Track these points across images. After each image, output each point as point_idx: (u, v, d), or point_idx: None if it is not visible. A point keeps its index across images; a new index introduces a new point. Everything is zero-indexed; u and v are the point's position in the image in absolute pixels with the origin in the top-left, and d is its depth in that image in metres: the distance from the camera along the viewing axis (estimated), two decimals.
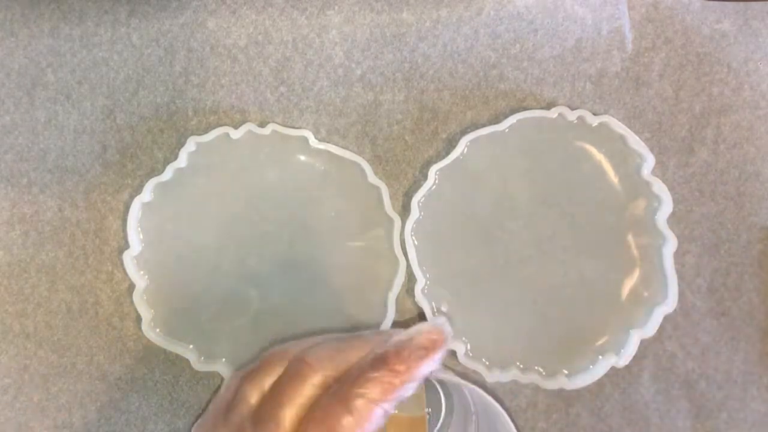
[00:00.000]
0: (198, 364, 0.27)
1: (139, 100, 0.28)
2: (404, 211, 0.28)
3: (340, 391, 0.21)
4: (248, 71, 0.28)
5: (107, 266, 0.28)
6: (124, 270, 0.28)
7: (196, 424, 0.25)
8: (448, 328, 0.23)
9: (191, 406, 0.28)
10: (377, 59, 0.28)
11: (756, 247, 0.28)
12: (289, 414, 0.21)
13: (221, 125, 0.28)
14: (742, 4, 0.29)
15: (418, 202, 0.28)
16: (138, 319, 0.28)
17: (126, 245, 0.28)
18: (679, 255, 0.28)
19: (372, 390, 0.21)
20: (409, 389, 0.21)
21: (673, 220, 0.28)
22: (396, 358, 0.21)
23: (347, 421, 0.20)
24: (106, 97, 0.28)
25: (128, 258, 0.27)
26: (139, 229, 0.28)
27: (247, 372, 0.23)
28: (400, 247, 0.28)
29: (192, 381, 0.28)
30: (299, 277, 0.28)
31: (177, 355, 0.28)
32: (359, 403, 0.21)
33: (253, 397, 0.22)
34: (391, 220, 0.28)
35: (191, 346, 0.28)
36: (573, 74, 0.29)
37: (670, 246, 0.27)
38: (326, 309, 0.28)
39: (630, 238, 0.28)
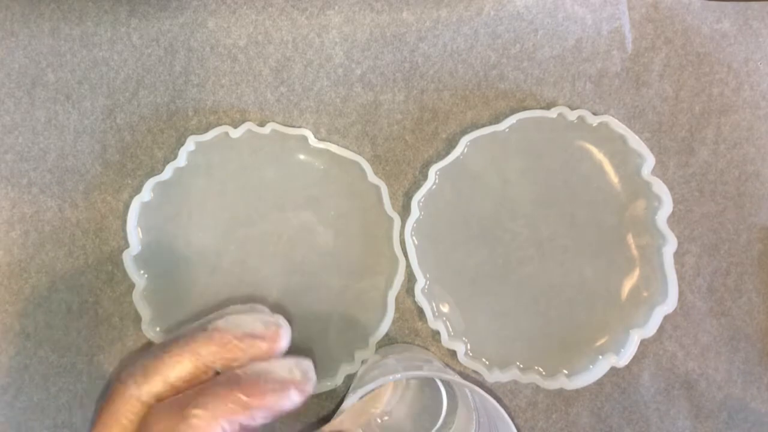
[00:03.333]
0: None
1: (139, 100, 0.28)
2: (404, 211, 0.28)
3: (180, 401, 0.20)
4: (248, 71, 0.28)
5: (107, 266, 0.28)
6: (123, 270, 0.28)
7: None
8: (312, 374, 0.22)
9: None
10: (377, 59, 0.28)
11: (756, 247, 0.28)
12: None
13: (221, 125, 0.28)
14: (742, 4, 0.29)
15: (418, 202, 0.28)
16: (138, 318, 0.28)
17: (126, 245, 0.28)
18: (679, 255, 0.28)
19: (215, 407, 0.20)
20: (258, 419, 0.20)
21: (673, 220, 0.28)
22: (249, 387, 0.20)
23: None
24: (106, 97, 0.28)
25: (128, 257, 0.27)
26: (139, 228, 0.28)
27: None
28: (400, 247, 0.28)
29: None
30: (299, 277, 0.28)
31: None
32: (196, 420, 0.19)
33: None
34: (391, 220, 0.28)
35: None
36: (573, 74, 0.29)
37: (670, 246, 0.27)
38: (326, 309, 0.28)
39: (630, 238, 0.28)
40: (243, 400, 0.20)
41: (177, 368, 0.21)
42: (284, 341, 0.22)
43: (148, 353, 0.22)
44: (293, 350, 0.28)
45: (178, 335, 0.22)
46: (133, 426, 0.20)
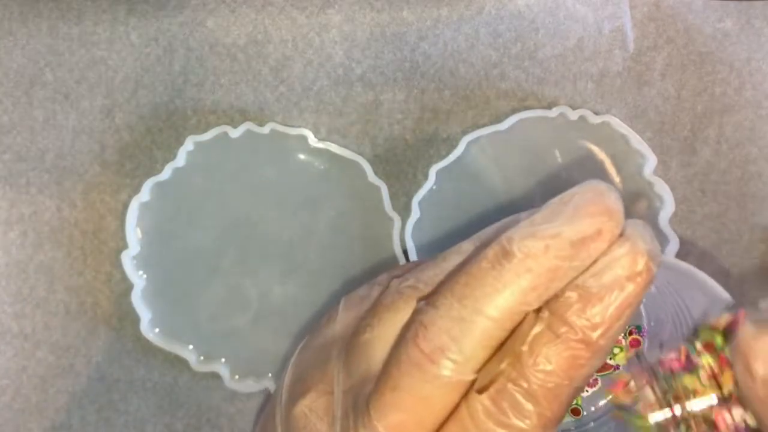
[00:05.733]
0: (197, 364, 0.27)
1: (138, 100, 0.28)
2: (404, 211, 0.28)
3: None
4: (248, 70, 0.28)
5: (106, 266, 0.28)
6: (122, 270, 0.28)
7: (292, 363, 0.22)
8: (648, 235, 0.17)
9: (190, 408, 0.28)
10: (377, 58, 0.28)
11: (758, 247, 0.28)
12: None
13: (220, 124, 0.28)
14: (744, 3, 0.29)
15: (418, 202, 0.28)
16: (137, 319, 0.27)
17: (125, 245, 0.28)
18: (681, 255, 0.28)
19: (552, 363, 0.16)
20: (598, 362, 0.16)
21: (675, 220, 0.28)
22: (585, 306, 0.16)
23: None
24: (104, 97, 0.28)
25: (127, 258, 0.27)
26: (138, 229, 0.28)
27: (371, 309, 0.19)
28: (400, 247, 0.28)
29: (191, 382, 0.28)
30: (299, 277, 0.28)
31: (176, 356, 0.28)
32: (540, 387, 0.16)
33: (380, 348, 0.18)
34: (391, 221, 0.28)
35: (190, 347, 0.27)
36: (574, 74, 0.28)
37: (672, 246, 0.27)
38: (326, 309, 0.28)
39: None
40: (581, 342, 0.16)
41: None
42: (618, 214, 0.17)
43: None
44: (292, 350, 0.28)
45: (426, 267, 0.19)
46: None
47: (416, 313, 0.18)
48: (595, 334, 0.16)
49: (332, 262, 0.28)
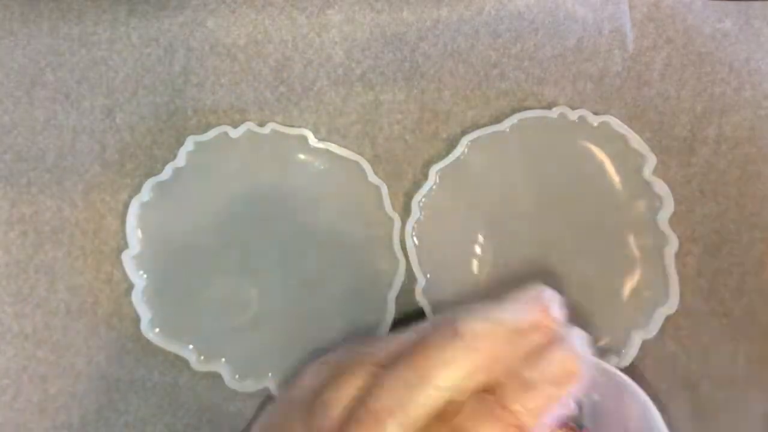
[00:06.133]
0: (197, 364, 0.27)
1: (139, 100, 0.28)
2: (404, 211, 0.28)
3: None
4: (248, 70, 0.28)
5: (106, 266, 0.28)
6: (123, 270, 0.28)
7: (260, 421, 0.23)
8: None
9: (191, 407, 0.28)
10: (377, 59, 0.28)
11: (758, 247, 0.28)
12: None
13: (220, 124, 0.28)
14: (743, 3, 0.29)
15: (418, 202, 0.28)
16: (137, 319, 0.27)
17: (125, 245, 0.28)
18: (680, 255, 0.28)
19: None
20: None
21: (675, 220, 0.28)
22: (522, 394, 0.18)
23: None
24: (105, 97, 0.28)
25: (127, 258, 0.27)
26: (138, 229, 0.28)
27: (332, 373, 0.21)
28: (400, 247, 0.28)
29: (191, 381, 0.28)
30: (299, 277, 0.28)
31: (176, 356, 0.28)
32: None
33: (336, 407, 0.19)
34: (391, 220, 0.28)
35: (191, 346, 0.27)
36: (574, 74, 0.28)
37: (672, 246, 0.27)
38: (326, 309, 0.28)
39: (631, 238, 0.28)
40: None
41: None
42: (557, 319, 0.20)
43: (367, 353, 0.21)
44: (293, 350, 0.28)
45: (392, 339, 0.21)
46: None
47: (371, 377, 0.20)
48: (529, 420, 0.19)
49: (332, 262, 0.28)
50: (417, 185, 0.28)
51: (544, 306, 0.21)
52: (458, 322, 0.20)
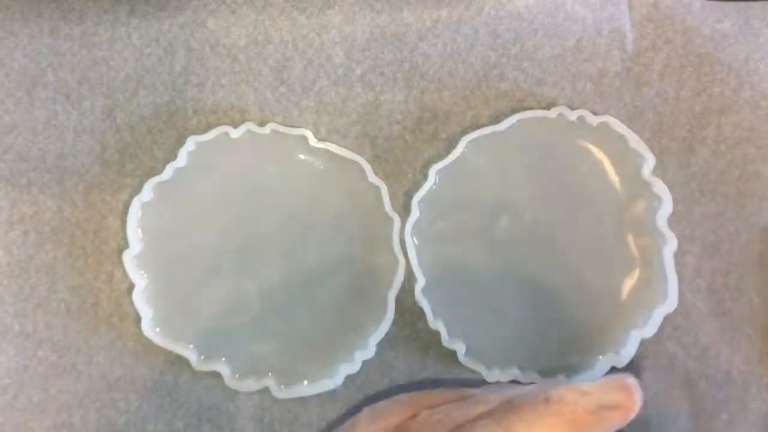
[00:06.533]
0: (198, 363, 0.27)
1: (139, 100, 0.28)
2: (404, 211, 0.28)
3: None
4: (248, 71, 0.28)
5: (107, 266, 0.28)
6: (123, 270, 0.28)
7: None
8: (638, 391, 0.21)
9: (191, 406, 0.28)
10: (377, 59, 0.28)
11: (757, 247, 0.28)
12: None
13: (221, 125, 0.28)
14: (742, 3, 0.29)
15: (418, 202, 0.28)
16: (138, 318, 0.27)
17: (126, 245, 0.28)
18: (679, 255, 0.28)
19: None
20: None
21: (674, 220, 0.28)
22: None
23: None
24: (105, 97, 0.28)
25: (128, 258, 0.27)
26: (139, 228, 0.28)
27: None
28: (400, 247, 0.28)
29: (192, 381, 0.28)
30: (299, 277, 0.28)
31: (177, 355, 0.28)
32: None
33: None
34: (391, 221, 0.28)
35: (191, 346, 0.27)
36: (573, 74, 0.28)
37: (671, 246, 0.27)
38: (326, 309, 0.28)
39: (630, 238, 0.28)
40: None
41: None
42: (638, 406, 0.22)
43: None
44: (293, 350, 0.28)
45: (490, 394, 0.23)
46: None
47: (457, 428, 0.21)
48: None
49: (332, 262, 0.28)
50: (417, 185, 0.28)
51: (630, 391, 0.22)
52: (549, 389, 0.21)
